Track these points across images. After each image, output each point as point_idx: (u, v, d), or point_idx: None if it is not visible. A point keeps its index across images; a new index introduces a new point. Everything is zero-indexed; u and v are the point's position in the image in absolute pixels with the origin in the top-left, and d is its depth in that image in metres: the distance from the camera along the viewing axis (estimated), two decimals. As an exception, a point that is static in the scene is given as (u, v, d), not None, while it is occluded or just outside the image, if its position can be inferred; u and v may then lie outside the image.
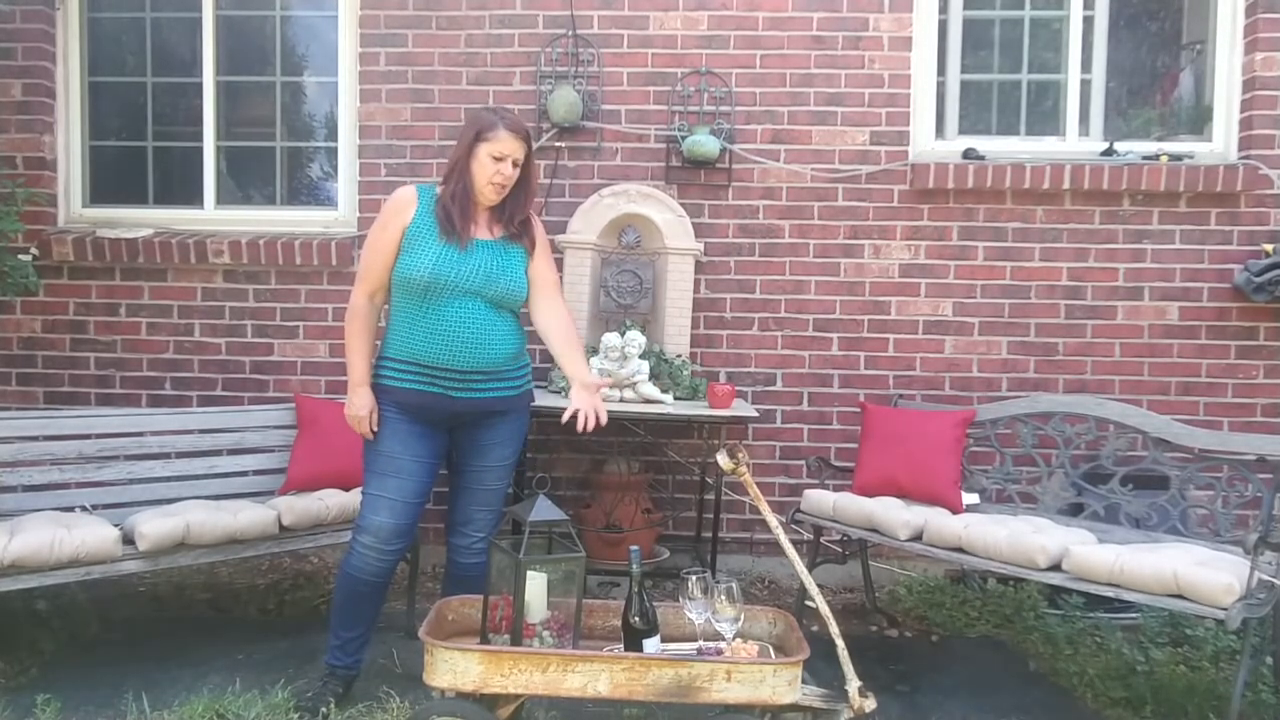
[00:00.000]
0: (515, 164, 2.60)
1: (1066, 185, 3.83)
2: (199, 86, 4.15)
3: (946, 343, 3.95)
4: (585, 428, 2.64)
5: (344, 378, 3.88)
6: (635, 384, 3.51)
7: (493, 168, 2.58)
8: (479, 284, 2.57)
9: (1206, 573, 2.47)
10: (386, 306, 2.70)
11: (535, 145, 3.91)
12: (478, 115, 2.68)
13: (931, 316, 3.95)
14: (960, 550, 2.99)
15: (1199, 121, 4.06)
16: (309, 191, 4.35)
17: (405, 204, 2.62)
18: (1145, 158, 3.86)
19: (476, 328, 2.57)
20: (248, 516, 3.03)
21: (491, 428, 2.69)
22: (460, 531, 2.75)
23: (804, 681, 2.15)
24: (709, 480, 3.87)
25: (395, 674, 2.93)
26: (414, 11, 3.98)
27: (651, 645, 2.26)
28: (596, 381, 2.72)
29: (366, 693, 2.75)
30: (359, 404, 2.63)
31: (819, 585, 2.42)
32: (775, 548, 3.26)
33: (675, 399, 3.60)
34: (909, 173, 3.90)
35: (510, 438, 2.74)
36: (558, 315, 2.76)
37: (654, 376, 3.61)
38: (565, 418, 2.66)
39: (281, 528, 3.10)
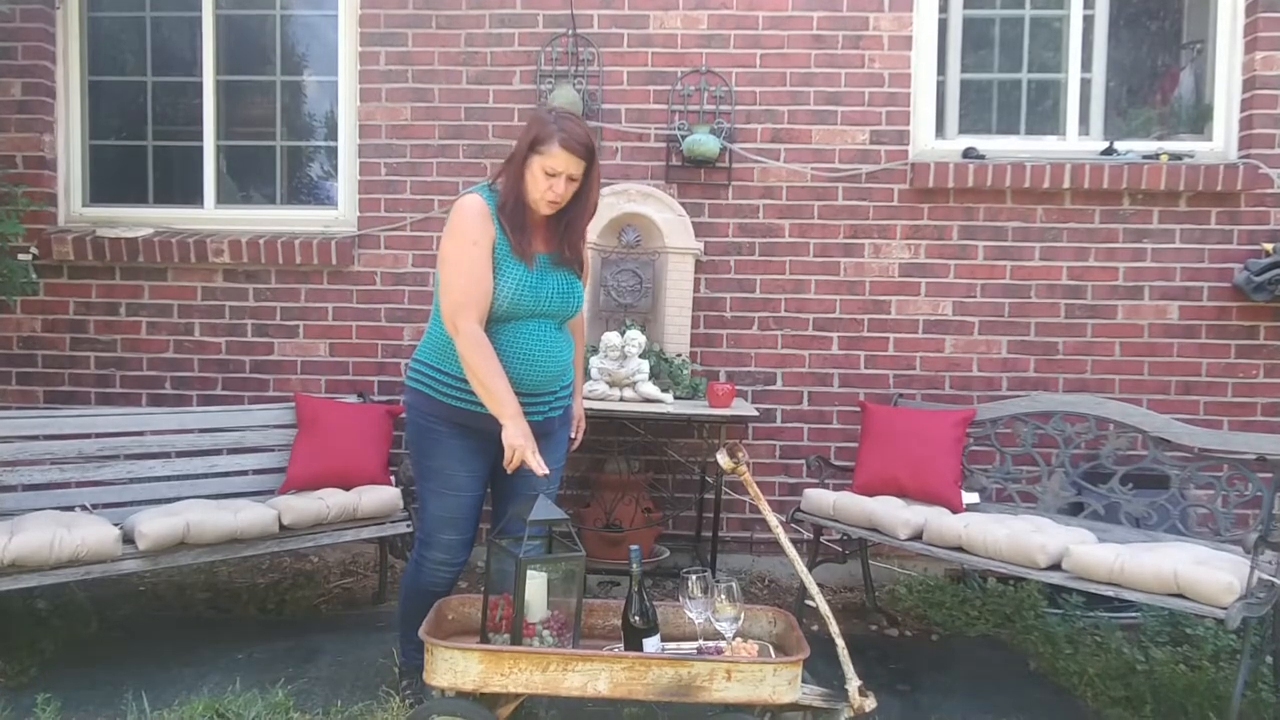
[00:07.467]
0: (571, 179, 2.42)
1: (1066, 184, 3.83)
2: (199, 86, 4.15)
3: (946, 342, 3.95)
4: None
5: (343, 377, 4.00)
6: (635, 383, 3.51)
7: (545, 183, 2.41)
8: (556, 307, 2.52)
9: (1206, 572, 2.47)
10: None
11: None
12: (537, 118, 2.44)
13: (931, 316, 3.95)
14: (960, 549, 2.99)
15: (1199, 121, 4.05)
16: (309, 191, 4.35)
17: (486, 217, 2.42)
18: (1145, 157, 3.86)
19: (547, 347, 2.51)
20: (248, 516, 3.03)
21: (543, 436, 2.58)
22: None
23: (804, 681, 2.16)
24: (709, 480, 3.87)
25: (395, 673, 2.93)
26: (414, 11, 3.98)
27: (651, 644, 2.26)
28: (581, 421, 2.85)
29: (366, 692, 2.76)
30: (525, 432, 2.40)
31: (819, 584, 2.42)
32: (775, 547, 3.25)
33: (675, 398, 3.60)
34: (909, 172, 3.90)
35: (562, 442, 2.70)
36: (580, 342, 2.77)
37: (654, 376, 3.60)
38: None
39: (282, 527, 3.10)
